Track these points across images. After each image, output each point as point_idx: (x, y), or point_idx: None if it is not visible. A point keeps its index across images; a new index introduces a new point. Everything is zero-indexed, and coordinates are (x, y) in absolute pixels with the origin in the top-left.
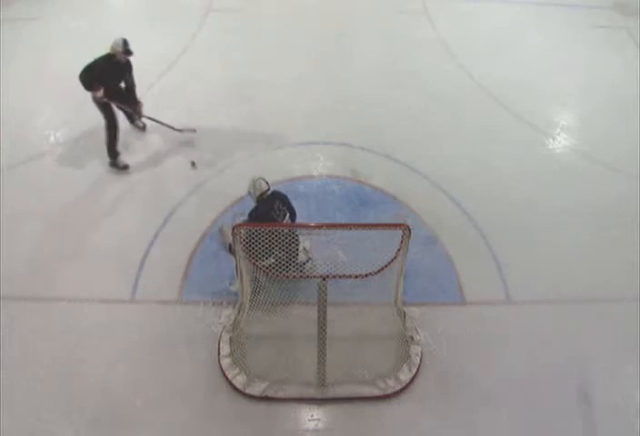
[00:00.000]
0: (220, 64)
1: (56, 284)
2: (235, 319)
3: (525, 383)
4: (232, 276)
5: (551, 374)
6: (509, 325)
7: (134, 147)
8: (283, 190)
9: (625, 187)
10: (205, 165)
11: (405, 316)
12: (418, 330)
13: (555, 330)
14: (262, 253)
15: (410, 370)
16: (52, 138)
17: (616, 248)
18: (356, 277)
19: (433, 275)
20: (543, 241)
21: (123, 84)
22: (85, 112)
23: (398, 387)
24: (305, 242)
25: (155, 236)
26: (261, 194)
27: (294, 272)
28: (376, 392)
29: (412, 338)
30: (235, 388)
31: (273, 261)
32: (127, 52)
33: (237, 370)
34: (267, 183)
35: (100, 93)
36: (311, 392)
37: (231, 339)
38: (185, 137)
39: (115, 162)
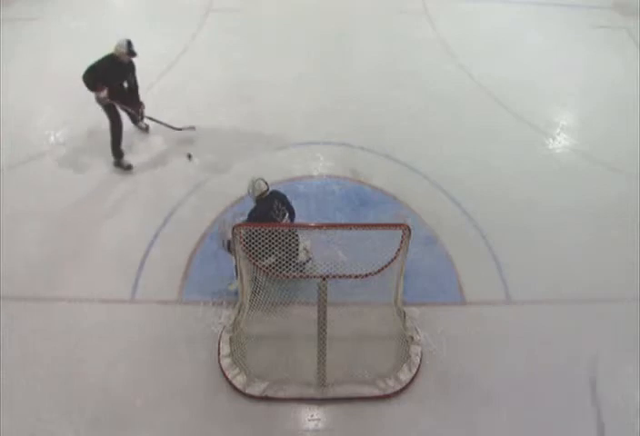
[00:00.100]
0: (220, 64)
1: (56, 284)
2: (235, 319)
3: (524, 383)
4: (231, 276)
5: (551, 374)
6: (509, 325)
7: (136, 148)
8: (283, 190)
9: (625, 187)
10: (205, 165)
11: (404, 316)
12: (418, 330)
13: (555, 330)
14: (262, 253)
15: (410, 370)
16: (52, 138)
17: (616, 248)
18: (356, 277)
19: (433, 275)
20: (543, 241)
21: (125, 85)
22: (86, 112)
23: (398, 387)
24: (305, 241)
25: (155, 236)
26: (260, 195)
27: (294, 271)
28: (376, 392)
29: (412, 338)
30: (235, 388)
31: (273, 260)
32: (131, 53)
33: (237, 370)
34: (267, 183)
35: (104, 93)
36: (311, 392)
37: (231, 339)
38: (186, 136)
39: (120, 161)
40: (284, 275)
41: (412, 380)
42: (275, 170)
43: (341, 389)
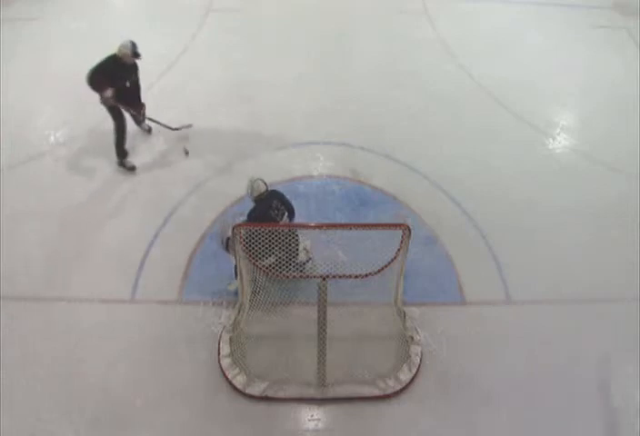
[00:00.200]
0: (220, 64)
1: (56, 284)
2: (235, 319)
3: (524, 383)
4: (231, 276)
5: (551, 374)
6: (509, 325)
7: (137, 149)
8: (283, 190)
9: (625, 187)
10: (205, 165)
11: (404, 316)
12: (418, 330)
13: (555, 330)
14: (262, 253)
15: (410, 370)
16: (52, 138)
17: (616, 248)
18: (356, 277)
19: (433, 275)
20: (543, 241)
21: (127, 84)
22: (86, 112)
23: (398, 387)
24: (305, 241)
25: (155, 236)
26: (259, 195)
27: (294, 271)
28: (376, 392)
29: (412, 338)
30: (235, 388)
31: (273, 260)
32: (136, 55)
33: (237, 370)
34: (265, 183)
35: (109, 93)
36: (311, 392)
37: (231, 339)
38: (186, 136)
39: (123, 162)
40: (284, 275)
41: (412, 380)
42: (275, 170)
43: (341, 389)
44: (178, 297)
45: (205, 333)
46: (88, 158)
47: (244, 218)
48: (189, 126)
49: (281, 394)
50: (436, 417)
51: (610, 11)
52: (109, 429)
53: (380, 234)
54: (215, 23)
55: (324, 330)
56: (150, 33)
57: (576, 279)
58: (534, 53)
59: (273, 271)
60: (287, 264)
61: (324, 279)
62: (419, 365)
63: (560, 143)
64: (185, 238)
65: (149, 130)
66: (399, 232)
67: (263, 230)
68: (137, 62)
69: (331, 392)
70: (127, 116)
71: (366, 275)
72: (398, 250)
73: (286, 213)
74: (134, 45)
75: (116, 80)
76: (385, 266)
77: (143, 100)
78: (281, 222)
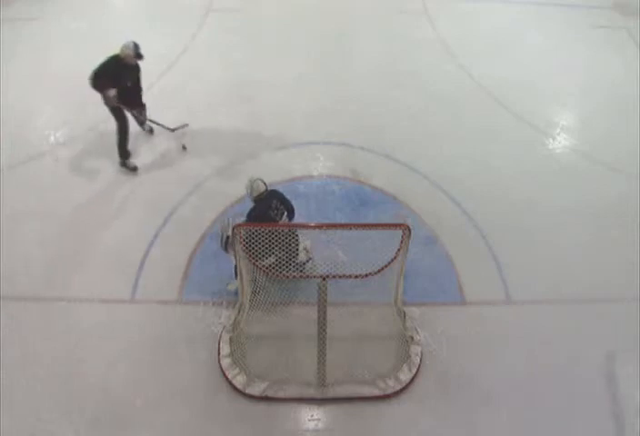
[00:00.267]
0: (220, 64)
1: (56, 284)
2: (235, 319)
3: (524, 383)
4: (231, 276)
5: (551, 374)
6: (509, 325)
7: (139, 150)
8: (283, 190)
9: (625, 187)
10: (206, 165)
11: (404, 316)
12: (418, 330)
13: (555, 330)
14: (262, 253)
15: (410, 370)
16: (52, 138)
17: (616, 248)
18: (356, 277)
19: (433, 275)
20: (543, 241)
21: (128, 85)
22: (86, 112)
23: (398, 387)
24: (305, 241)
25: (155, 236)
26: (259, 195)
27: (294, 271)
28: (376, 392)
29: (412, 338)
30: (235, 388)
31: (273, 260)
32: (138, 56)
33: (237, 370)
34: (265, 183)
35: (112, 92)
36: (311, 392)
37: (231, 339)
38: (186, 136)
39: (125, 162)
40: (284, 275)
41: (412, 380)
42: (275, 170)
43: (341, 389)
44: (178, 297)
45: (205, 333)
46: (88, 158)
47: (243, 218)
48: (185, 126)
49: (281, 394)
50: (436, 417)
51: (610, 11)
52: (109, 429)
53: (380, 234)
54: (215, 23)
55: (324, 330)
56: (150, 33)
57: (576, 279)
58: (534, 53)
59: (273, 271)
60: (287, 264)
61: (324, 279)
62: (419, 365)
63: (560, 143)
64: (184, 238)
65: (151, 130)
66: (399, 232)
67: (263, 230)
68: (139, 63)
69: (331, 392)
70: (130, 117)
71: (366, 275)
72: (398, 250)
73: (286, 213)
74: (136, 46)
75: (118, 80)
76: (385, 266)
77: (143, 100)
78: (281, 222)
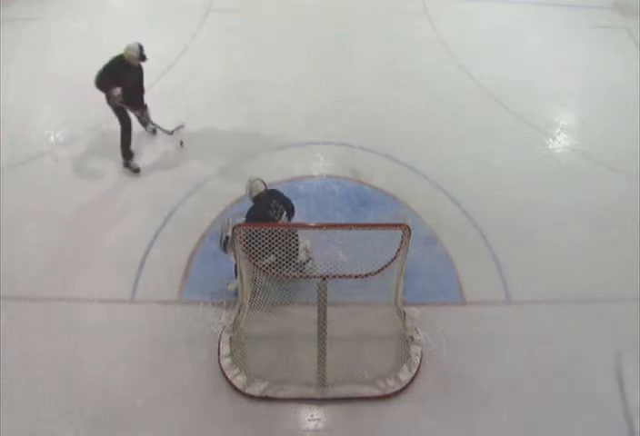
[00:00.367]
0: (220, 64)
1: (56, 284)
2: (235, 319)
3: (524, 383)
4: (231, 276)
5: (551, 374)
6: (509, 325)
7: (141, 150)
8: (283, 190)
9: (625, 187)
10: (206, 165)
11: (404, 316)
12: (418, 330)
13: (555, 330)
14: (262, 253)
15: (410, 370)
16: (52, 138)
17: (616, 248)
18: (356, 277)
19: (433, 275)
20: (543, 241)
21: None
22: (86, 112)
23: (398, 387)
24: (305, 241)
25: (155, 236)
26: (258, 195)
27: (294, 271)
28: (376, 392)
29: (412, 338)
30: (235, 388)
31: (273, 260)
32: (143, 57)
33: (237, 370)
34: (264, 183)
35: (117, 90)
36: (311, 392)
37: (231, 339)
38: (186, 136)
39: (128, 163)
40: (284, 275)
41: (412, 380)
42: (275, 170)
43: (341, 389)
44: (178, 297)
45: (205, 333)
46: (88, 158)
47: (243, 218)
48: (182, 127)
49: (281, 394)
50: (436, 417)
51: (610, 11)
52: (109, 429)
53: (380, 234)
54: (215, 23)
55: (324, 330)
56: (150, 33)
57: (576, 279)
58: (534, 53)
59: (273, 270)
60: (287, 264)
61: (324, 279)
62: (419, 365)
63: (560, 143)
64: (184, 238)
65: (154, 131)
66: (399, 232)
67: (262, 229)
68: (142, 64)
69: (331, 392)
70: (132, 118)
71: (366, 275)
72: (398, 250)
73: (285, 213)
74: (141, 48)
75: (122, 81)
76: (385, 266)
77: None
78: (281, 222)
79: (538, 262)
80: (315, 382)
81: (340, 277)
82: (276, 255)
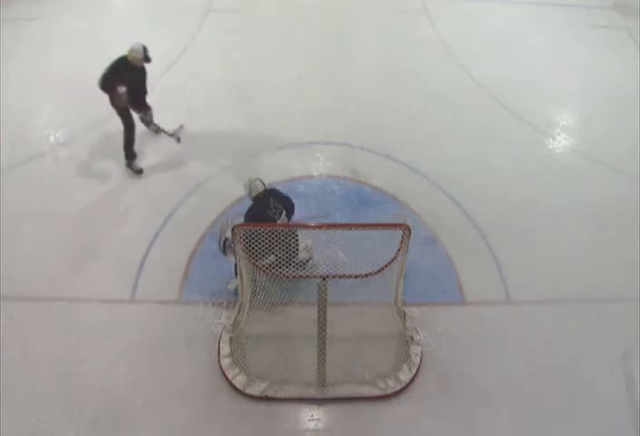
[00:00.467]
0: (220, 64)
1: (56, 284)
2: (235, 319)
3: (524, 383)
4: (231, 275)
5: (551, 374)
6: (509, 325)
7: (144, 150)
8: (283, 190)
9: (625, 187)
10: (205, 165)
11: (404, 316)
12: (418, 330)
13: (555, 330)
14: (261, 252)
15: (410, 370)
16: (52, 138)
17: (616, 248)
18: (356, 277)
19: (433, 275)
20: (543, 241)
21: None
22: (86, 112)
23: (398, 387)
24: (306, 240)
25: (155, 236)
26: (257, 195)
27: (294, 270)
28: (376, 392)
29: (412, 338)
30: (235, 388)
31: (273, 259)
32: (147, 59)
33: (237, 370)
34: (264, 183)
35: (123, 89)
36: (311, 392)
37: (231, 339)
38: (186, 136)
39: (131, 164)
40: (284, 275)
41: (412, 380)
42: (275, 170)
43: (341, 389)
44: (178, 297)
45: (205, 333)
46: (88, 158)
47: (242, 218)
48: (181, 128)
49: (281, 394)
50: (436, 417)
51: (610, 11)
52: (109, 429)
53: (380, 234)
54: (215, 23)
55: (324, 330)
56: (150, 33)
57: (576, 279)
58: (534, 53)
59: (273, 270)
60: (287, 263)
61: (324, 279)
62: (419, 365)
63: (560, 143)
64: (184, 238)
65: (157, 131)
66: (399, 232)
67: (262, 229)
68: (145, 65)
69: (331, 392)
70: (136, 119)
71: (366, 275)
72: (398, 250)
73: (284, 212)
74: (145, 50)
75: (125, 81)
76: (385, 266)
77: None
78: (281, 222)
79: (538, 262)
80: (315, 382)
81: (340, 277)
82: (276, 255)
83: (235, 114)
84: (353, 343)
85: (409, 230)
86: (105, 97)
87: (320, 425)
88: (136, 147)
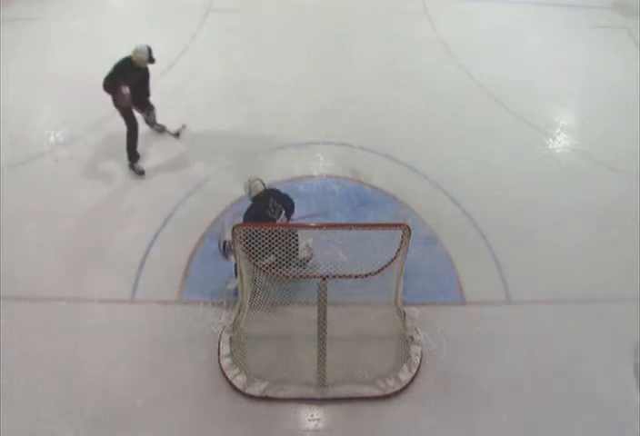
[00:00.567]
0: (220, 64)
1: (56, 284)
2: (235, 319)
3: (524, 383)
4: (231, 275)
5: (551, 374)
6: (509, 325)
7: (145, 151)
8: (283, 190)
9: (625, 187)
10: (206, 165)
11: (404, 316)
12: (418, 330)
13: (555, 330)
14: (261, 252)
15: (410, 370)
16: (52, 138)
17: (616, 248)
18: (356, 277)
19: (433, 275)
20: (543, 241)
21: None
22: (86, 111)
23: (398, 387)
24: (307, 239)
25: (155, 236)
26: (257, 195)
27: (295, 269)
28: (376, 392)
29: (412, 338)
30: (235, 388)
31: (273, 259)
32: (151, 60)
33: (237, 370)
34: (263, 183)
35: (126, 89)
36: (311, 392)
37: (231, 339)
38: (186, 136)
39: (134, 165)
40: (284, 275)
41: (412, 380)
42: (275, 170)
43: (341, 389)
44: (178, 297)
45: (205, 333)
46: (88, 158)
47: (241, 219)
48: (184, 127)
49: (281, 394)
50: (436, 417)
51: (610, 11)
52: (109, 429)
53: (380, 234)
54: (215, 23)
55: (324, 330)
56: (150, 33)
57: (576, 279)
58: (534, 53)
59: (273, 270)
60: (287, 263)
61: (324, 279)
62: (419, 365)
63: (560, 143)
64: (184, 238)
65: (161, 130)
66: (399, 232)
67: (262, 229)
68: (149, 66)
69: (331, 392)
70: (139, 120)
71: (366, 275)
72: (398, 250)
73: (284, 211)
74: (150, 51)
75: (128, 81)
76: (385, 266)
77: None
78: (281, 222)
79: (538, 262)
80: (315, 382)
81: (340, 277)
82: (276, 255)
83: (234, 114)
84: (353, 343)
85: (409, 230)
86: (105, 97)
87: (320, 425)
88: (138, 147)
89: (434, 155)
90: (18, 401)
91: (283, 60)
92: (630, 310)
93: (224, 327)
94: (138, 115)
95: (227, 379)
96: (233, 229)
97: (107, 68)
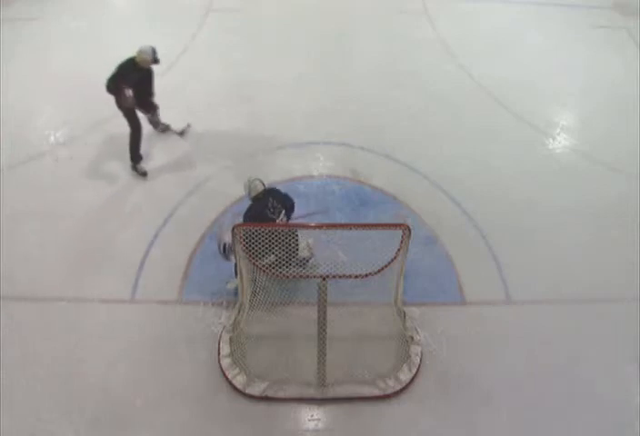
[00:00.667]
0: (220, 64)
1: (56, 284)
2: (235, 319)
3: (524, 383)
4: (231, 275)
5: (551, 374)
6: (509, 325)
7: (145, 151)
8: (283, 190)
9: (625, 187)
10: (206, 165)
11: (404, 316)
12: (418, 330)
13: (555, 330)
14: (261, 252)
15: (410, 370)
16: (52, 138)
17: (616, 248)
18: (356, 277)
19: (433, 275)
20: (543, 241)
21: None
22: (86, 111)
23: (398, 387)
24: (308, 239)
25: (155, 236)
26: (257, 195)
27: (295, 270)
28: (376, 392)
29: (412, 338)
30: (235, 388)
31: (273, 259)
32: (156, 61)
33: (237, 370)
34: (263, 183)
35: (129, 92)
36: (311, 392)
37: (231, 339)
38: (186, 136)
39: (136, 166)
40: (284, 275)
41: (412, 380)
42: (275, 170)
43: (341, 389)
44: (178, 297)
45: (205, 333)
46: (88, 158)
47: (241, 219)
48: (188, 127)
49: (281, 394)
50: (436, 417)
51: (610, 11)
52: (109, 429)
53: (380, 234)
54: (215, 23)
55: (324, 330)
56: (150, 33)
57: (576, 279)
58: (534, 53)
59: (273, 270)
60: (287, 263)
61: (324, 279)
62: (419, 365)
63: (560, 143)
64: (185, 238)
65: (165, 130)
66: (399, 232)
67: (262, 229)
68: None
69: (331, 392)
70: (142, 121)
71: (366, 275)
72: (398, 250)
73: (284, 211)
74: (154, 52)
75: (131, 82)
76: (385, 266)
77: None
78: (281, 222)
79: (538, 262)
80: (315, 382)
81: (340, 277)
82: (276, 255)
83: (234, 114)
84: (353, 343)
85: (409, 230)
86: (105, 97)
87: (320, 425)
88: (146, 150)
89: (434, 155)
90: (18, 401)
91: (283, 60)
92: (630, 310)
93: (224, 327)
94: (141, 116)
95: (227, 379)
96: (233, 229)
97: (108, 68)
